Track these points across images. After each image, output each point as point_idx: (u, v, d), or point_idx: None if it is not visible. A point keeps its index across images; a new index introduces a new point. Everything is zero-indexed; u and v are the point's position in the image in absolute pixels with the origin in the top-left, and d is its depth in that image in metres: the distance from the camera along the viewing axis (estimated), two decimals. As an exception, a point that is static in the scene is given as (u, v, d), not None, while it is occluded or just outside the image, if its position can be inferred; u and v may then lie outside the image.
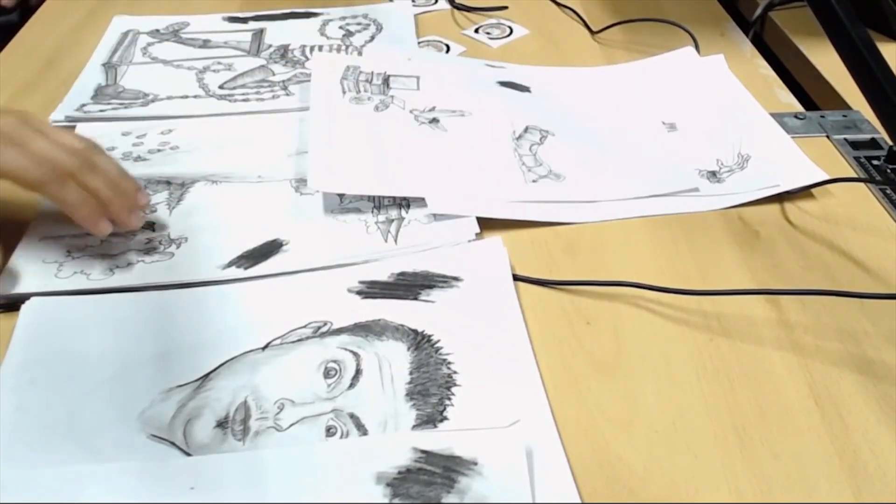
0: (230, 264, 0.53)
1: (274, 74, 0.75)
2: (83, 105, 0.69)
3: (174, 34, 0.82)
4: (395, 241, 0.54)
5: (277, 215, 0.57)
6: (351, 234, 0.55)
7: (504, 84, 0.72)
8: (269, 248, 0.54)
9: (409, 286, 0.51)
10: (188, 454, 0.41)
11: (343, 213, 0.57)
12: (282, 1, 0.88)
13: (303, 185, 0.59)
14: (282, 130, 0.66)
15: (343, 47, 0.79)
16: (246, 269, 0.52)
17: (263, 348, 0.47)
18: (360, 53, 0.78)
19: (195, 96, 0.71)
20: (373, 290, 0.51)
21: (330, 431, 0.42)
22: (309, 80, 0.72)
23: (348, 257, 0.53)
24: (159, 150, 0.64)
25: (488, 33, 0.83)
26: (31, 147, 0.50)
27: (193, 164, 0.62)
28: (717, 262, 0.54)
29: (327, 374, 0.45)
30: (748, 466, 0.41)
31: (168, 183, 0.60)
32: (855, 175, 0.62)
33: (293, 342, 0.47)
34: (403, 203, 0.57)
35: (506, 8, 0.88)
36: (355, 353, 0.46)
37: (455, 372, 0.45)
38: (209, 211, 0.58)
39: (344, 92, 0.68)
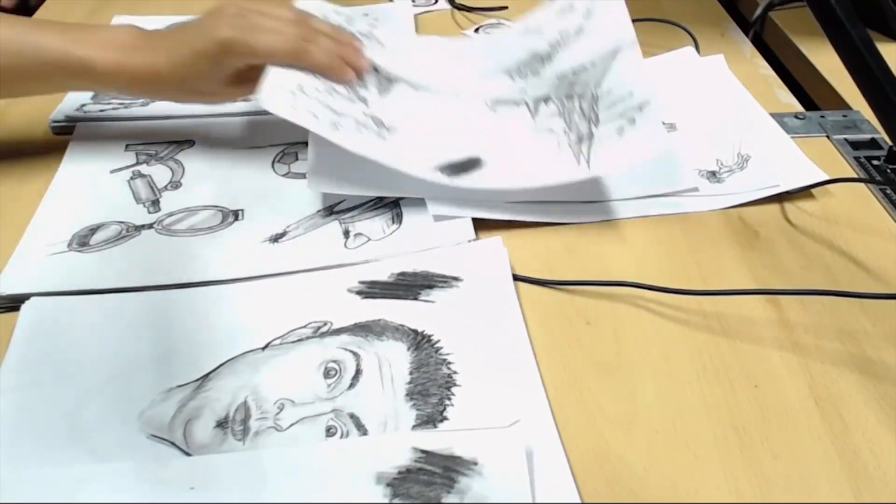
0: (438, 169, 0.55)
1: (274, 74, 0.74)
2: (83, 105, 0.69)
3: (174, 34, 0.82)
4: (588, 163, 0.54)
5: (474, 133, 0.59)
6: (544, 155, 0.56)
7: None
8: (469, 164, 0.56)
9: (409, 286, 0.51)
10: (188, 454, 0.41)
11: (537, 133, 0.58)
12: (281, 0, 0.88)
13: (497, 104, 0.61)
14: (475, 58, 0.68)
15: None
16: (449, 176, 0.55)
17: (263, 348, 0.47)
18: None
19: (195, 96, 0.71)
20: (373, 290, 0.51)
21: (330, 431, 0.42)
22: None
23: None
24: (366, 37, 0.65)
25: (488, 33, 0.83)
26: (267, 25, 0.56)
27: (397, 63, 0.64)
28: (717, 262, 0.54)
29: (327, 374, 0.45)
30: (748, 466, 0.41)
31: (375, 70, 0.62)
32: (855, 175, 0.62)
33: (293, 342, 0.47)
34: (593, 115, 0.57)
35: (506, 8, 0.88)
36: (355, 353, 0.46)
37: (455, 372, 0.45)
38: (413, 112, 0.60)
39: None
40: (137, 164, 0.63)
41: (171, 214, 0.57)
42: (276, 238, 0.55)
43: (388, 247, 0.54)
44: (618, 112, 0.56)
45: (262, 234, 0.55)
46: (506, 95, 0.62)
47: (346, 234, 0.55)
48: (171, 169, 0.62)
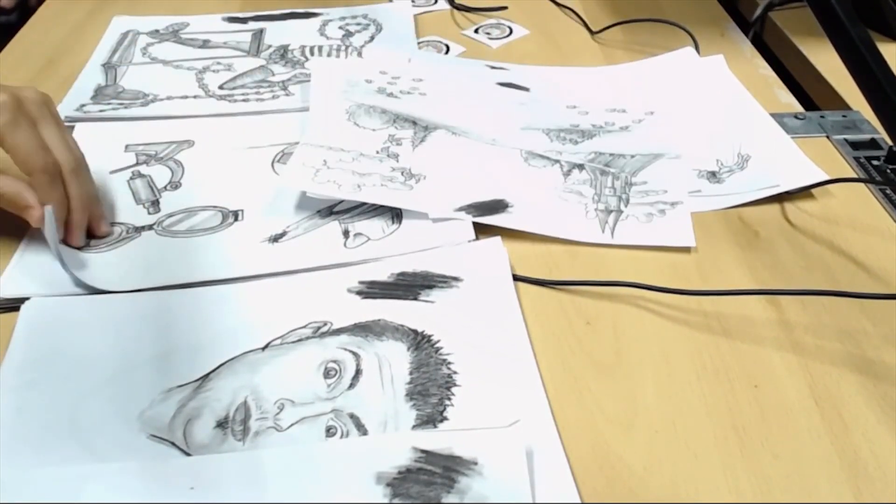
0: (461, 209, 0.56)
1: (273, 75, 0.75)
2: (83, 105, 0.69)
3: (174, 34, 0.82)
4: (612, 233, 0.55)
5: (505, 179, 0.60)
6: (571, 214, 0.57)
7: (503, 84, 0.72)
8: (496, 206, 0.57)
9: (409, 286, 0.51)
10: (188, 454, 0.41)
11: (566, 192, 0.59)
12: (282, 1, 0.88)
13: (532, 157, 0.62)
14: (515, 105, 0.70)
15: (343, 47, 0.79)
16: (475, 217, 0.55)
17: (263, 348, 0.47)
18: (359, 54, 0.78)
19: (195, 96, 0.71)
20: (373, 290, 0.51)
21: (330, 431, 0.42)
22: (308, 81, 0.72)
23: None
24: (409, 93, 0.69)
25: (488, 33, 0.83)
26: (42, 130, 0.52)
27: (438, 112, 0.67)
28: (717, 262, 0.54)
29: (327, 374, 0.45)
30: (748, 466, 0.41)
31: (414, 123, 0.65)
32: (855, 175, 0.62)
33: (293, 342, 0.47)
34: (623, 195, 0.58)
35: (506, 8, 0.88)
36: (355, 354, 0.46)
37: (455, 372, 0.45)
38: (447, 157, 0.61)
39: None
40: (137, 164, 0.63)
41: (170, 215, 0.57)
42: (275, 238, 0.55)
43: (388, 247, 0.54)
44: (649, 201, 0.58)
45: (261, 234, 0.55)
46: (541, 151, 0.63)
47: (346, 233, 0.55)
48: (170, 169, 0.62)
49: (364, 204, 0.57)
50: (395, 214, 0.57)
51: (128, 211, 0.58)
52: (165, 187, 0.60)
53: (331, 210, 0.57)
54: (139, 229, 0.56)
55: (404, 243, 0.54)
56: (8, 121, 0.50)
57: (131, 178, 0.61)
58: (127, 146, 0.65)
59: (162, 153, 0.64)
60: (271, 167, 0.63)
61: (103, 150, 0.64)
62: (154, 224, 0.57)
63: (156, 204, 0.59)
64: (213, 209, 0.58)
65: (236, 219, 0.57)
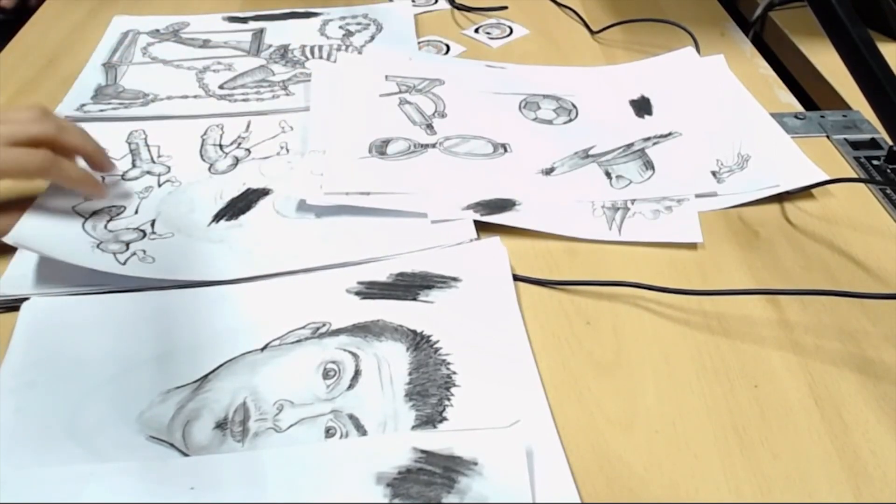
0: (469, 207, 0.57)
1: (274, 74, 0.75)
2: (83, 105, 0.69)
3: (174, 34, 0.82)
4: (619, 231, 0.56)
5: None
6: (578, 212, 0.58)
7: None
8: (504, 204, 0.58)
9: (408, 287, 0.51)
10: (187, 456, 0.41)
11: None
12: (282, 1, 0.88)
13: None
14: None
15: (343, 47, 0.79)
16: (483, 215, 0.56)
17: (262, 349, 0.47)
18: (360, 54, 0.78)
19: (195, 96, 0.71)
20: (371, 290, 0.51)
21: (329, 432, 0.42)
22: (309, 80, 0.72)
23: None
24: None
25: (488, 33, 0.83)
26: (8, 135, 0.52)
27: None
28: (717, 262, 0.54)
29: (326, 374, 0.45)
30: (748, 466, 0.41)
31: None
32: (855, 175, 0.62)
33: (292, 343, 0.47)
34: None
35: (506, 8, 0.88)
36: (354, 354, 0.46)
37: (454, 372, 0.45)
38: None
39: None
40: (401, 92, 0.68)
41: (448, 138, 0.63)
42: (547, 171, 0.61)
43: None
44: (655, 199, 0.58)
45: (534, 166, 0.61)
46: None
47: (608, 174, 0.60)
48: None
49: (619, 148, 0.63)
50: (647, 162, 0.61)
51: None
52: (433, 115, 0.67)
53: (587, 153, 0.62)
54: (424, 146, 0.63)
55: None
56: None
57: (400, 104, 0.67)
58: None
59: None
60: (519, 111, 0.68)
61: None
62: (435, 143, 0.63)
63: (430, 127, 0.65)
64: (483, 139, 0.64)
65: (506, 150, 0.63)
